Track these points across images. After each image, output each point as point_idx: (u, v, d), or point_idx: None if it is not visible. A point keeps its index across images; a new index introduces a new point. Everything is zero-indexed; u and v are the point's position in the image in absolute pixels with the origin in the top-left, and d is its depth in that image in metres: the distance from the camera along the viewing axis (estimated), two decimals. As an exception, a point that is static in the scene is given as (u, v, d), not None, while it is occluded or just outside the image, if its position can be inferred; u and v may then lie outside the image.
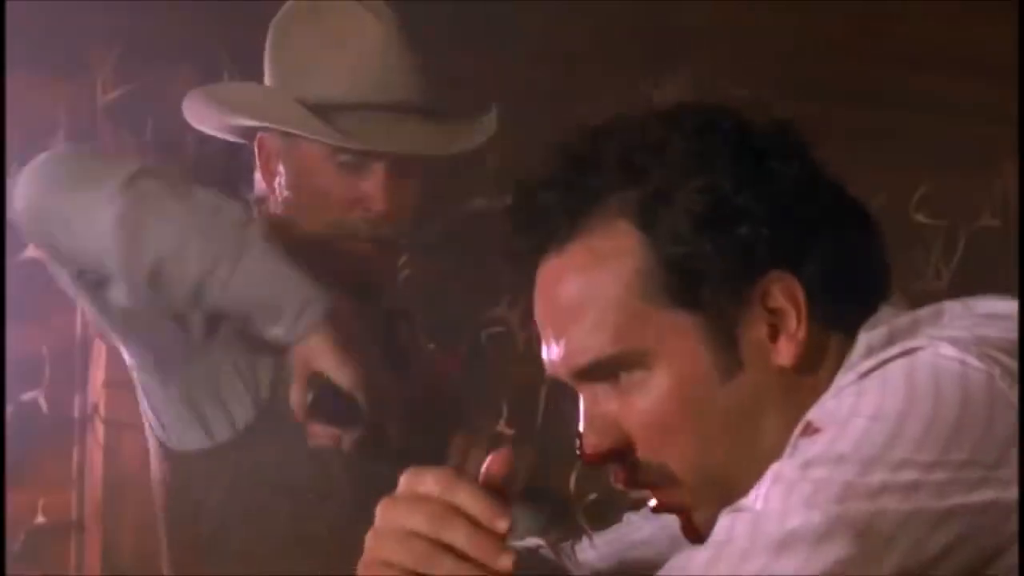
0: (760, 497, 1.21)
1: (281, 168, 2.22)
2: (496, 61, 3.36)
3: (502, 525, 1.21)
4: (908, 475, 1.17)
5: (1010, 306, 1.32)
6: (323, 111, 2.17)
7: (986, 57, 3.74)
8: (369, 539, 1.26)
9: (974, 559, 1.20)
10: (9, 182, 2.18)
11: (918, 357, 1.23)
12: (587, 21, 3.48)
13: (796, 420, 1.29)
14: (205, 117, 2.29)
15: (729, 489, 1.31)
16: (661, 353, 1.32)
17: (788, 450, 1.26)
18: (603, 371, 1.35)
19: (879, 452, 1.18)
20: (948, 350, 1.23)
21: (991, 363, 1.21)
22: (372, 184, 2.17)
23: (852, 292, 1.34)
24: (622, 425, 1.35)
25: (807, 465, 1.20)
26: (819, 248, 1.32)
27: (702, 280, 1.31)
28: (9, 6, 3.03)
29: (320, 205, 2.19)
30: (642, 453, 1.35)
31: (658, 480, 1.36)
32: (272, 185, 2.23)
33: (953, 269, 3.77)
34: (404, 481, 1.27)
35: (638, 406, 1.34)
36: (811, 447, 1.21)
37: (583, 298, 1.34)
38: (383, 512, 1.26)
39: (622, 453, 1.36)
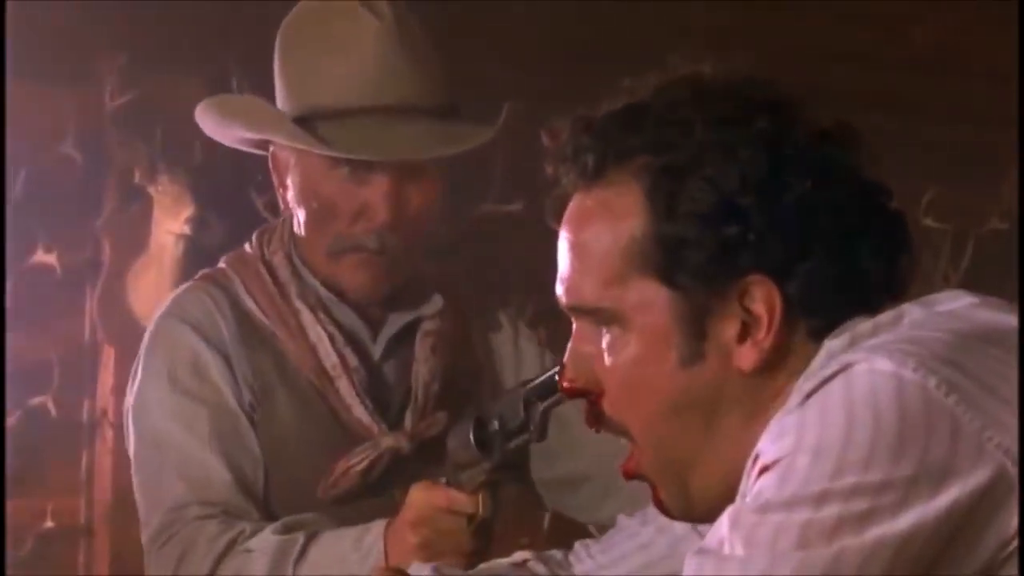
0: (725, 542, 1.24)
1: (290, 181, 2.18)
2: (505, 63, 3.37)
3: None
4: (861, 503, 1.20)
5: (966, 301, 1.34)
6: (321, 117, 2.13)
7: (994, 61, 3.74)
8: None
9: (971, 562, 1.22)
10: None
11: (854, 375, 1.25)
12: (595, 22, 3.49)
13: (755, 420, 1.33)
14: (213, 129, 2.26)
15: (685, 473, 1.37)
16: (635, 320, 1.36)
17: (744, 480, 1.29)
18: (586, 315, 1.40)
19: (828, 484, 1.21)
20: (883, 364, 1.24)
21: (927, 373, 1.23)
22: (374, 193, 2.11)
23: (840, 306, 1.35)
24: (597, 370, 1.40)
25: (764, 509, 1.23)
26: (811, 264, 1.33)
27: (683, 263, 1.33)
28: (17, 13, 3.04)
29: (327, 217, 2.14)
30: (607, 405, 1.40)
31: (620, 432, 1.41)
32: (285, 199, 2.20)
33: (962, 273, 3.77)
34: None
35: (609, 361, 1.38)
36: (765, 490, 1.24)
37: (585, 242, 1.38)
38: None
39: (593, 395, 1.41)
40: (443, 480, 1.92)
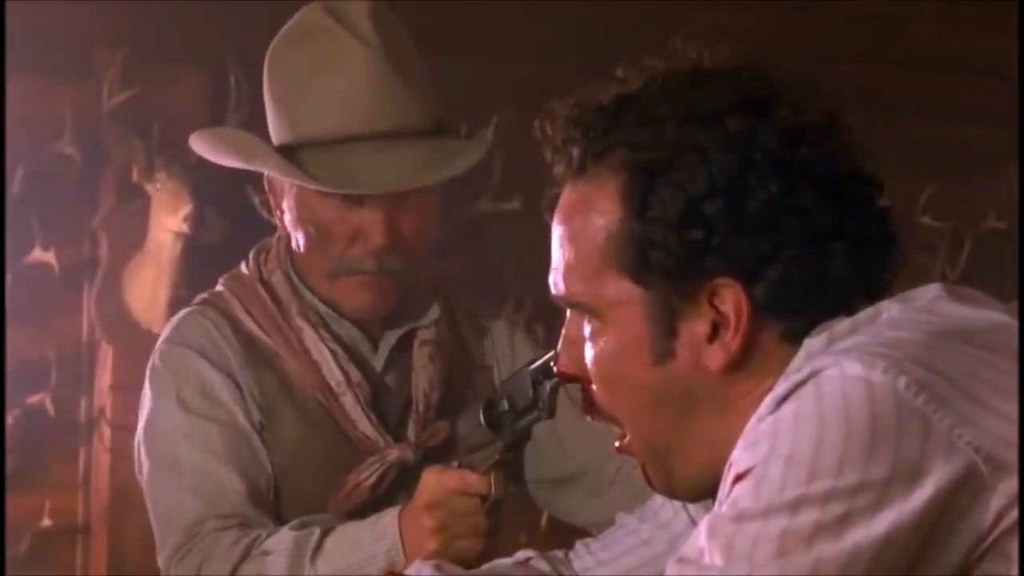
0: (704, 551, 1.25)
1: (286, 206, 2.18)
2: (502, 64, 3.37)
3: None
4: (837, 508, 1.21)
5: (939, 295, 1.34)
6: (311, 146, 2.12)
7: (993, 60, 3.74)
8: None
9: (946, 561, 1.22)
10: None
11: (824, 380, 1.25)
12: (594, 24, 3.49)
13: (729, 415, 1.35)
14: (211, 156, 2.25)
15: (666, 458, 1.40)
16: (611, 315, 1.38)
17: (720, 487, 1.30)
18: (571, 306, 1.42)
19: (803, 490, 1.22)
20: (853, 368, 1.25)
21: (897, 374, 1.24)
22: (368, 218, 2.11)
23: (813, 308, 1.35)
24: (584, 359, 1.42)
25: (741, 518, 1.24)
26: (780, 267, 1.33)
27: (652, 264, 1.35)
28: (15, 10, 3.04)
29: (325, 241, 2.14)
30: (595, 393, 1.42)
31: (610, 419, 1.43)
32: (283, 221, 2.19)
33: (959, 272, 3.77)
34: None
35: (590, 352, 1.41)
36: (740, 499, 1.25)
37: (568, 235, 1.40)
38: None
39: (585, 381, 1.43)
40: (455, 464, 1.94)
